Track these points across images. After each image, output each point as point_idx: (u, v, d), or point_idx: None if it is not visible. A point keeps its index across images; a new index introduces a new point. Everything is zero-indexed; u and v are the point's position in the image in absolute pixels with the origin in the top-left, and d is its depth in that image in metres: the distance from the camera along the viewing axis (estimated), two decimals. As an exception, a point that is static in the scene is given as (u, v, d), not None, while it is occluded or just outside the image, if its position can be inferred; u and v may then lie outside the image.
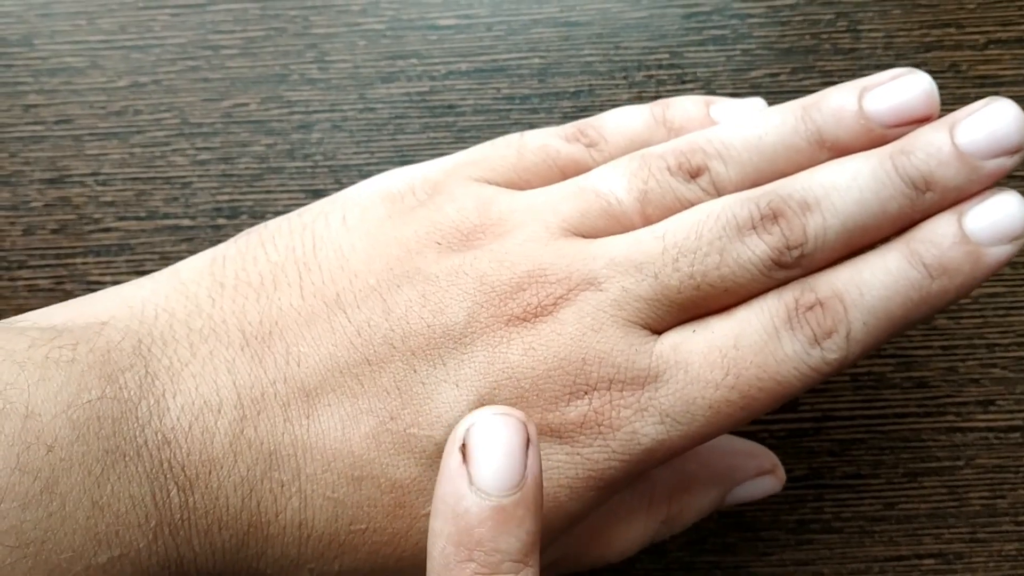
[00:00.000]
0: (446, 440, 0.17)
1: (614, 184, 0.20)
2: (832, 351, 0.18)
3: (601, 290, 0.18)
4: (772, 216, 0.18)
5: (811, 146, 0.20)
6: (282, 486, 0.17)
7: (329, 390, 0.18)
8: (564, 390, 0.18)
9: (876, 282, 0.18)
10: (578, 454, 0.18)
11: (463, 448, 0.16)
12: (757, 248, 0.18)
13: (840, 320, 0.18)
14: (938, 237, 0.18)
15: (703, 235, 0.18)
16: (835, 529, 0.26)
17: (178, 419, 0.17)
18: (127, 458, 0.16)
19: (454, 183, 0.20)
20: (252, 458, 0.17)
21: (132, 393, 0.17)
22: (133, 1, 0.28)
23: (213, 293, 0.19)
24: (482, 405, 0.17)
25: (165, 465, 0.16)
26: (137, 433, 0.16)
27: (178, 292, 0.19)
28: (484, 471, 0.16)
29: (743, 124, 0.20)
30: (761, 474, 0.23)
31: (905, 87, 0.19)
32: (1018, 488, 0.26)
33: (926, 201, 0.19)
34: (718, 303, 0.19)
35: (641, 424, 0.18)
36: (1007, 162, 0.18)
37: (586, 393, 0.18)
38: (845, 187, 0.18)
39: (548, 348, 0.18)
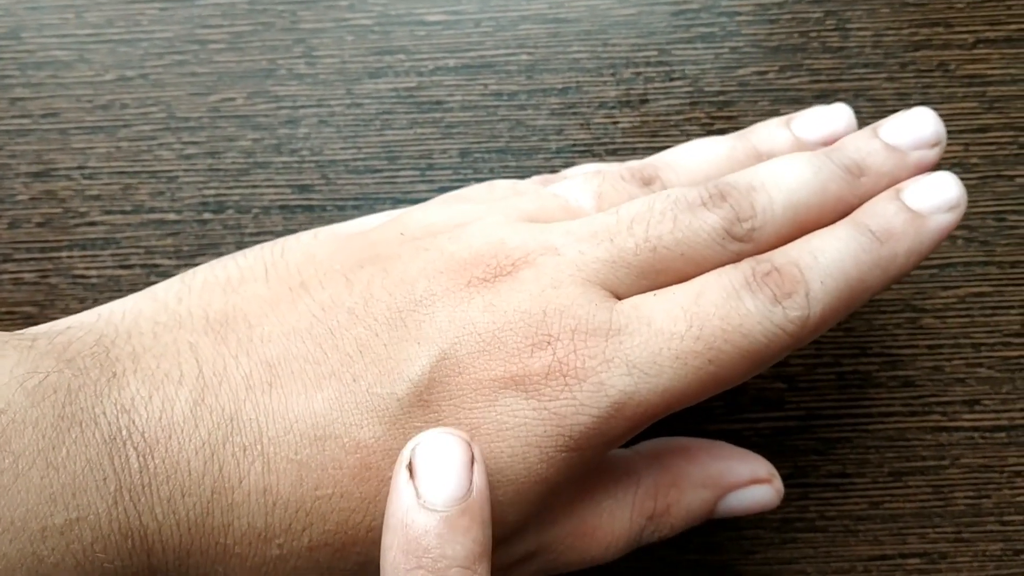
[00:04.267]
0: (408, 397, 0.17)
1: (572, 188, 0.21)
2: (794, 309, 0.18)
3: (559, 254, 0.19)
4: (720, 195, 0.19)
5: (750, 158, 0.22)
6: (244, 449, 0.17)
7: (291, 358, 0.18)
8: (526, 341, 0.18)
9: (828, 247, 0.19)
10: (545, 408, 0.18)
11: (410, 465, 0.16)
12: (709, 218, 0.19)
13: (798, 281, 0.19)
14: (880, 209, 0.20)
15: (655, 207, 0.19)
16: (820, 528, 0.26)
17: (137, 390, 0.17)
18: (83, 424, 0.16)
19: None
20: (213, 423, 0.17)
21: (91, 372, 0.17)
22: (120, -5, 0.28)
23: (181, 294, 0.19)
24: (445, 359, 0.18)
25: (124, 432, 0.16)
26: (94, 403, 0.16)
27: (147, 297, 0.19)
28: (430, 486, 0.16)
29: (690, 146, 0.23)
30: (756, 482, 0.23)
31: (831, 113, 0.23)
32: (1003, 488, 0.26)
33: (863, 185, 0.20)
34: (676, 271, 0.19)
35: (608, 375, 0.18)
36: (929, 153, 0.21)
37: (549, 344, 0.18)
38: (786, 171, 0.20)
39: (508, 303, 0.18)
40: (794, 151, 0.22)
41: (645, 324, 0.18)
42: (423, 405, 0.17)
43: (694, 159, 0.22)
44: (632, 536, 0.21)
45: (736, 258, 0.19)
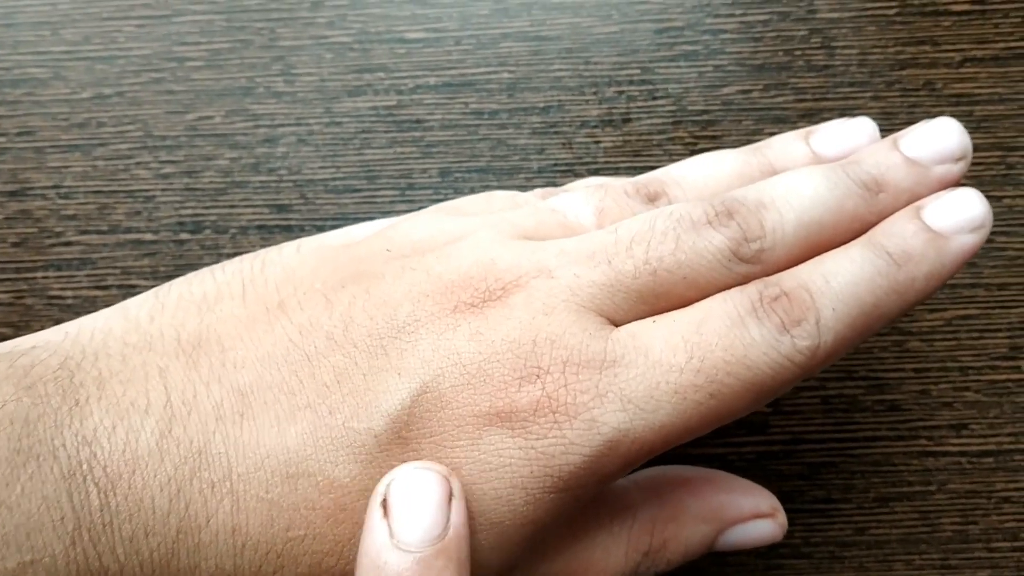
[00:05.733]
0: (386, 433, 0.17)
1: (571, 202, 0.20)
2: (803, 338, 0.17)
3: (553, 277, 0.18)
4: (727, 213, 0.18)
5: (764, 174, 0.20)
6: (212, 486, 0.16)
7: (265, 388, 0.17)
8: (514, 374, 0.17)
9: (841, 270, 0.18)
10: (532, 448, 0.17)
11: (384, 503, 0.16)
12: (714, 239, 0.18)
13: (808, 308, 0.17)
14: (898, 228, 0.18)
15: (656, 226, 0.18)
16: (804, 554, 0.25)
17: (101, 420, 0.16)
18: (40, 458, 0.15)
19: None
20: (180, 456, 0.16)
21: (52, 399, 0.16)
22: (97, 12, 0.27)
23: (153, 312, 0.18)
24: (426, 393, 0.17)
25: (84, 466, 0.15)
26: (54, 434, 0.16)
27: (118, 315, 0.18)
28: (403, 524, 0.15)
29: (699, 160, 0.21)
30: (758, 516, 0.21)
31: (853, 128, 0.21)
32: (991, 514, 0.25)
33: (880, 202, 0.19)
34: (678, 295, 0.18)
35: (600, 411, 0.17)
36: (953, 168, 0.19)
37: (538, 376, 0.17)
38: (799, 187, 0.19)
39: (496, 332, 0.17)
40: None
41: (642, 355, 0.17)
42: (402, 443, 0.17)
43: (703, 174, 0.21)
44: (627, 572, 0.20)
45: (743, 280, 0.18)
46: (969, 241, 0.18)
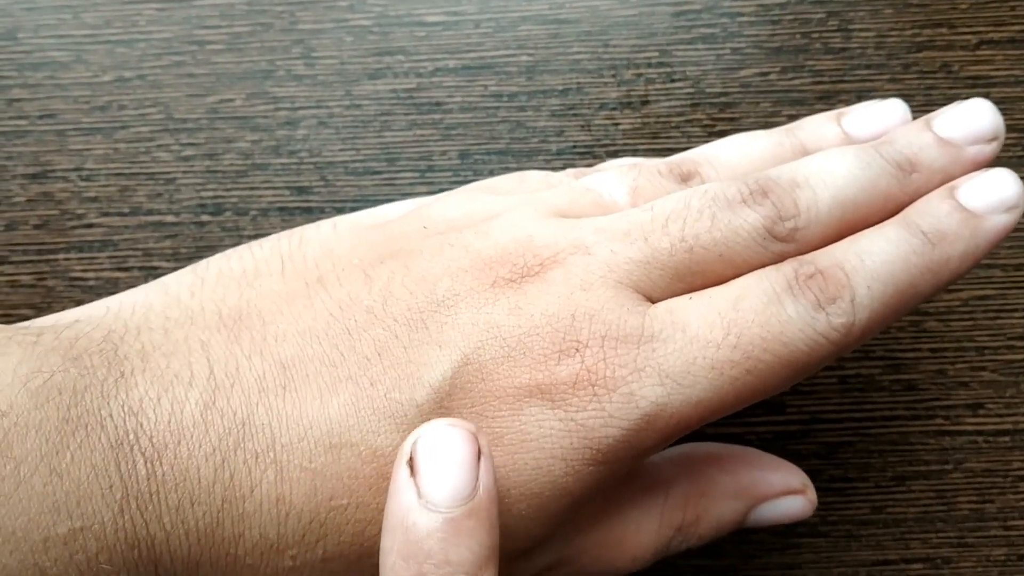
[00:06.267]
0: (428, 404, 0.17)
1: (606, 181, 0.20)
2: (838, 315, 0.17)
3: (590, 254, 0.18)
4: (762, 192, 0.18)
5: (796, 154, 0.21)
6: (256, 456, 0.16)
7: (307, 360, 0.17)
8: (553, 347, 0.17)
9: (876, 248, 0.18)
10: (572, 420, 0.17)
11: (411, 461, 0.15)
12: (749, 217, 0.18)
13: (843, 286, 0.17)
14: (933, 208, 0.18)
15: (692, 204, 0.18)
16: (822, 533, 0.26)
17: (146, 392, 0.16)
18: (88, 428, 0.15)
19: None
20: (224, 428, 0.16)
21: (98, 371, 0.16)
22: (118, -5, 0.27)
23: (194, 287, 0.19)
24: (467, 364, 0.17)
25: (131, 436, 0.16)
26: (101, 405, 0.16)
27: (158, 290, 0.19)
28: (432, 484, 0.15)
29: (732, 140, 0.22)
30: (789, 492, 0.22)
31: (885, 109, 0.21)
32: (1007, 492, 0.26)
33: (913, 182, 0.19)
34: (714, 273, 0.18)
35: (639, 385, 0.17)
36: (986, 148, 0.19)
37: (577, 351, 0.17)
38: (833, 166, 0.19)
39: (535, 305, 0.17)
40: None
41: (680, 331, 0.17)
42: (443, 413, 0.17)
43: (736, 154, 0.21)
44: (659, 547, 0.21)
45: (778, 259, 0.18)
46: (1003, 221, 0.18)
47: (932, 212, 0.18)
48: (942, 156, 0.19)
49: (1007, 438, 0.26)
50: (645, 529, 0.20)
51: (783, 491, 0.22)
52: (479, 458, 0.16)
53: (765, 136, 0.21)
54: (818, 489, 0.26)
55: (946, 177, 0.19)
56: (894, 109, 0.21)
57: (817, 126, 0.22)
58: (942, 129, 0.19)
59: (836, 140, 0.21)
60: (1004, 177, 0.18)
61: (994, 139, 0.19)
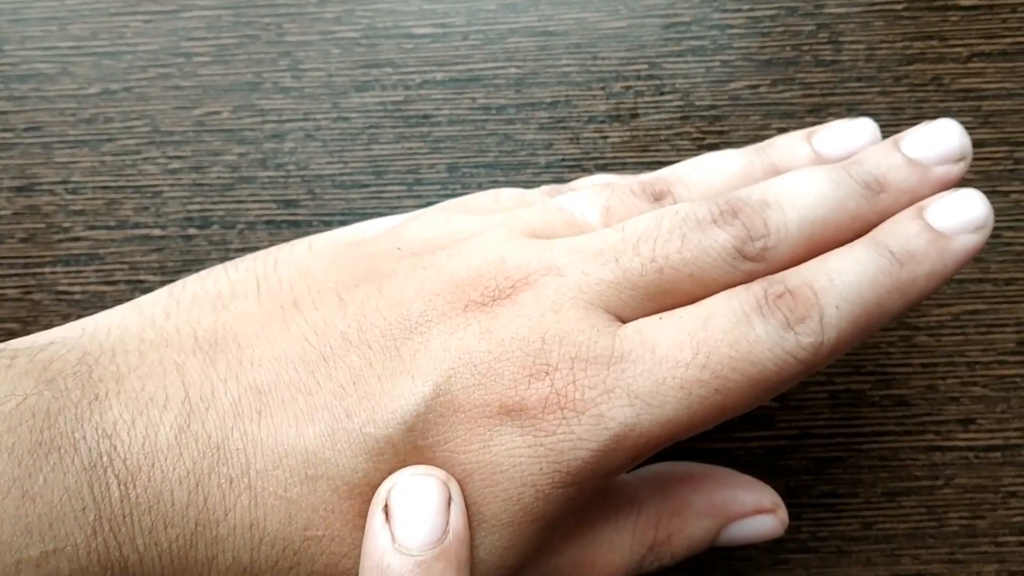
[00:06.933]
0: (401, 439, 0.17)
1: (578, 201, 0.20)
2: (806, 335, 0.17)
3: (562, 275, 0.18)
4: (732, 212, 0.18)
5: (767, 174, 0.21)
6: (231, 481, 0.16)
7: (283, 387, 0.17)
8: (523, 371, 0.17)
9: (845, 268, 0.18)
10: (541, 445, 0.17)
11: (386, 508, 0.16)
12: (719, 237, 0.18)
13: (812, 305, 0.18)
14: (902, 228, 0.19)
15: (663, 225, 0.19)
16: (812, 549, 0.26)
17: (120, 414, 0.16)
18: (62, 450, 0.15)
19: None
20: (199, 451, 0.16)
21: (72, 393, 0.16)
22: (105, 7, 0.27)
23: (169, 309, 0.19)
24: (439, 396, 0.17)
25: (105, 458, 0.16)
26: (75, 427, 0.16)
27: (133, 311, 0.19)
28: (405, 529, 0.16)
29: (704, 159, 0.22)
30: (760, 512, 0.22)
31: (855, 129, 0.21)
32: (998, 508, 0.25)
33: (882, 202, 0.19)
34: (685, 292, 0.18)
35: (608, 406, 0.17)
36: (953, 168, 0.19)
37: (547, 374, 0.17)
38: (803, 186, 0.19)
39: (506, 330, 0.17)
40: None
41: (649, 351, 0.17)
42: (417, 450, 0.17)
43: (708, 173, 0.21)
44: (632, 565, 0.21)
45: (747, 278, 0.18)
46: (971, 241, 0.19)
47: (901, 232, 0.19)
48: (910, 176, 0.19)
49: (998, 454, 0.26)
50: (618, 548, 0.20)
51: (754, 510, 0.22)
52: (449, 504, 0.16)
53: (737, 155, 0.22)
54: (808, 505, 0.26)
55: (914, 197, 0.19)
56: (864, 128, 0.21)
57: (788, 145, 0.22)
58: (910, 149, 0.20)
59: (807, 159, 0.21)
60: (972, 197, 0.19)
61: (961, 159, 0.19)
